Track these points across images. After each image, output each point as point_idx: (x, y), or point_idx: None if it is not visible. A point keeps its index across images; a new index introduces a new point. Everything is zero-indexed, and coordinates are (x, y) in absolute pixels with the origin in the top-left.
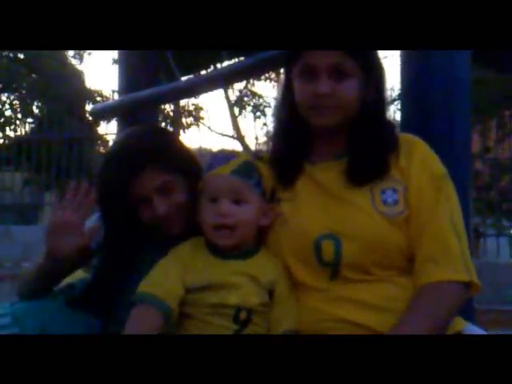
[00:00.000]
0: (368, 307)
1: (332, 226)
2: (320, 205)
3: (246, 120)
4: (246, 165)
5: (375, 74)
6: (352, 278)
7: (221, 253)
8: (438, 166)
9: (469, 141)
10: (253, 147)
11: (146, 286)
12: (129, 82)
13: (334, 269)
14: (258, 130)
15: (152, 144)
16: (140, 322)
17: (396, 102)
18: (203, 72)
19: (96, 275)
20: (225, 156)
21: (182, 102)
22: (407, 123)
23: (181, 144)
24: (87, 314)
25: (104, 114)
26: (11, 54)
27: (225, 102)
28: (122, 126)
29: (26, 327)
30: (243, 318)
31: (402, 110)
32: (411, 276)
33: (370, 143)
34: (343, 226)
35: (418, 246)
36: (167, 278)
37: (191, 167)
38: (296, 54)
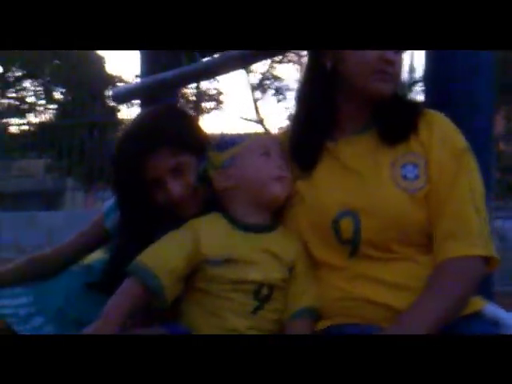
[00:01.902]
0: (387, 285)
1: (350, 203)
2: (337, 181)
3: (268, 103)
4: None
5: None
6: (372, 255)
7: (242, 225)
8: (459, 140)
9: (491, 128)
10: (274, 131)
11: (143, 256)
12: (150, 64)
13: (353, 246)
14: (280, 114)
15: (166, 124)
16: (124, 296)
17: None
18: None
19: (112, 257)
20: (239, 137)
21: (204, 87)
22: (431, 98)
23: (195, 124)
24: (104, 295)
25: (126, 96)
26: None
27: (246, 85)
28: (144, 108)
29: (43, 307)
30: (264, 294)
31: (425, 94)
32: (431, 253)
33: (399, 111)
34: (362, 202)
35: (437, 221)
36: (170, 252)
37: (205, 148)
38: None
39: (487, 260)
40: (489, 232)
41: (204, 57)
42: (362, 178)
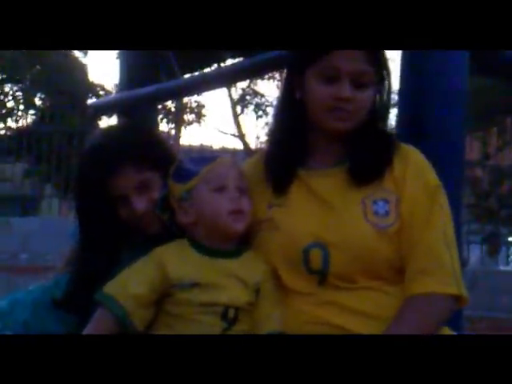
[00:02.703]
0: (354, 313)
1: (321, 235)
2: (310, 212)
3: (248, 118)
4: (237, 159)
5: (387, 83)
6: (339, 285)
7: (207, 251)
8: (433, 177)
9: (463, 151)
10: (254, 146)
11: (108, 287)
12: (129, 78)
13: (321, 276)
14: (259, 129)
15: (133, 141)
16: (95, 325)
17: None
18: (203, 71)
19: (75, 276)
20: (206, 155)
21: (185, 99)
22: (402, 130)
23: (161, 140)
24: (70, 312)
25: (104, 109)
26: None
27: (227, 100)
28: (121, 120)
29: (8, 323)
30: (231, 317)
31: (397, 117)
32: (400, 286)
33: (373, 148)
34: (332, 235)
35: (409, 257)
36: (133, 279)
37: (171, 164)
38: (318, 54)
39: (457, 298)
40: (460, 270)
41: (184, 74)
42: (334, 211)
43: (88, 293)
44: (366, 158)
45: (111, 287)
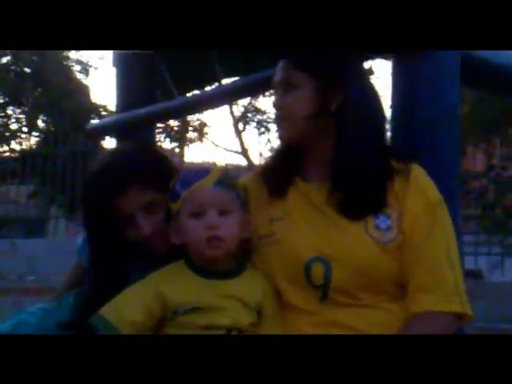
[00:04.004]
0: (355, 333)
1: (323, 249)
2: (311, 225)
3: (250, 135)
4: (225, 176)
5: (334, 81)
6: (341, 301)
7: (205, 273)
8: (434, 193)
9: (457, 163)
10: (257, 162)
11: (103, 310)
12: (126, 100)
13: (323, 292)
14: (262, 146)
15: (139, 162)
16: None
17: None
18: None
19: (85, 297)
20: (197, 171)
21: (187, 117)
22: (396, 144)
23: (166, 162)
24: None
25: (101, 131)
26: (18, 69)
27: (229, 117)
28: (120, 143)
29: None
30: None
31: (391, 131)
32: (402, 302)
33: (358, 171)
34: (334, 250)
35: (411, 274)
36: (130, 306)
37: None
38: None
39: (460, 315)
40: (463, 287)
41: (181, 94)
42: (335, 225)
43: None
44: (356, 189)
45: (107, 312)
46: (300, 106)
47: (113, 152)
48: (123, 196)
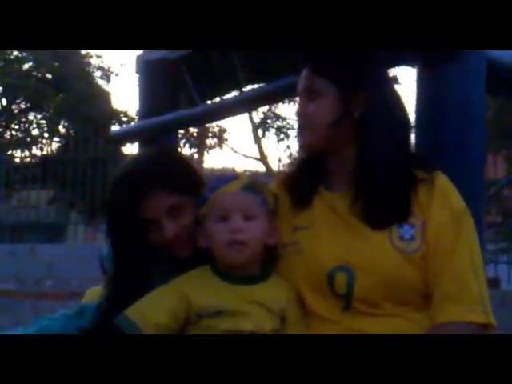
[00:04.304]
0: None
1: (346, 258)
2: (335, 234)
3: (270, 142)
4: (253, 182)
5: (358, 88)
6: (364, 311)
7: (230, 278)
8: (458, 202)
9: (482, 170)
10: (276, 169)
11: (128, 311)
12: (149, 106)
13: (346, 301)
14: (281, 152)
15: (163, 166)
16: None
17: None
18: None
19: (106, 301)
20: (227, 177)
21: (207, 124)
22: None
23: (191, 167)
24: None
25: (124, 138)
26: (39, 75)
27: (249, 123)
28: (142, 148)
29: None
30: None
31: (415, 139)
32: (426, 312)
33: (383, 179)
34: (357, 260)
35: (435, 284)
36: (155, 308)
37: (200, 190)
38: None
39: (484, 325)
40: (487, 296)
41: (204, 101)
42: (359, 235)
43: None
44: (379, 198)
45: (133, 313)
46: (323, 113)
47: (137, 157)
48: (148, 200)
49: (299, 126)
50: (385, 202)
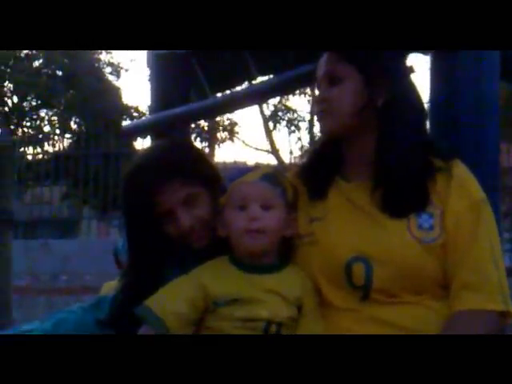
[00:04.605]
0: (397, 329)
1: (364, 249)
2: (352, 225)
3: (281, 134)
4: (272, 173)
5: (382, 76)
6: (382, 300)
7: (246, 267)
8: (477, 190)
9: (498, 159)
10: (287, 161)
11: (150, 301)
12: (160, 100)
13: (364, 292)
14: (292, 145)
15: (177, 156)
16: None
17: None
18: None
19: (124, 291)
20: (247, 168)
21: (218, 117)
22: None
23: (205, 157)
24: (115, 331)
25: (136, 132)
26: (49, 71)
27: (259, 116)
28: (155, 141)
29: None
30: (273, 332)
31: (429, 127)
32: (445, 301)
33: (403, 167)
34: (375, 250)
35: (455, 273)
36: (174, 297)
37: (215, 181)
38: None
39: (504, 314)
40: (506, 285)
41: (214, 94)
42: (376, 224)
43: (133, 311)
44: (399, 187)
45: (153, 302)
46: (347, 99)
47: (149, 149)
48: (162, 192)
49: (321, 111)
50: (404, 191)
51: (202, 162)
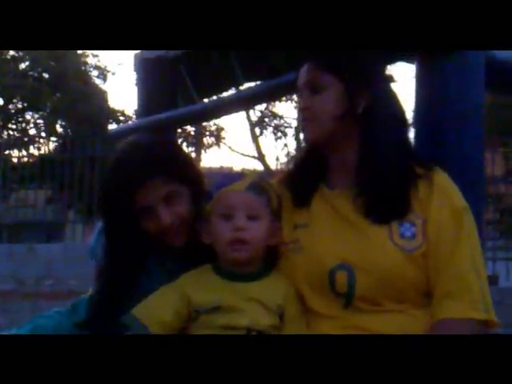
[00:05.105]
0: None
1: (347, 257)
2: (336, 233)
3: (267, 140)
4: (258, 182)
5: (362, 83)
6: (365, 308)
7: (229, 275)
8: (459, 199)
9: (482, 166)
10: (273, 167)
11: (135, 311)
12: (147, 104)
13: (347, 299)
14: (278, 151)
15: (159, 153)
16: None
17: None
18: (220, 95)
19: (99, 292)
20: (234, 176)
21: (204, 123)
22: (419, 149)
23: (186, 155)
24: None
25: (122, 136)
26: (36, 74)
27: (246, 122)
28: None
29: None
30: None
31: (414, 135)
32: (427, 309)
33: (384, 174)
34: (358, 258)
35: (436, 281)
36: (159, 306)
37: (196, 179)
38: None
39: (486, 323)
40: (489, 294)
41: (202, 99)
42: (359, 232)
43: (111, 310)
44: (380, 193)
45: (138, 311)
46: (327, 107)
47: (132, 144)
48: (144, 188)
49: (303, 119)
50: (386, 196)
51: (183, 159)
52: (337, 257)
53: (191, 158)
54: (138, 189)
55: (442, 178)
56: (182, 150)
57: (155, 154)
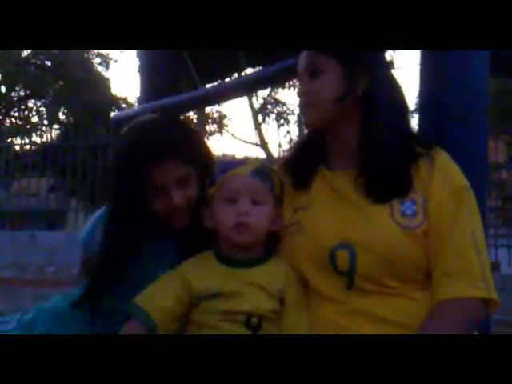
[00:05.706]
0: (382, 322)
1: (348, 236)
2: (336, 212)
3: (270, 127)
4: (262, 168)
5: (361, 66)
6: (367, 289)
7: (229, 261)
8: (460, 178)
9: (485, 155)
10: (276, 154)
11: (138, 299)
12: (150, 90)
13: (349, 278)
14: (281, 138)
15: (176, 134)
16: (126, 333)
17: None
18: (222, 80)
19: (93, 269)
20: (238, 161)
21: (206, 110)
22: (423, 136)
23: (200, 137)
24: (88, 313)
25: (125, 122)
26: (38, 62)
27: (249, 109)
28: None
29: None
30: (254, 324)
31: (418, 123)
32: (428, 291)
33: (385, 154)
34: (359, 236)
35: (436, 260)
36: (160, 293)
37: (207, 162)
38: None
39: (487, 301)
40: (490, 273)
41: (205, 84)
42: (360, 211)
43: (106, 284)
44: (380, 172)
45: (141, 299)
46: (327, 90)
47: (149, 122)
48: (161, 166)
49: (303, 104)
50: (387, 175)
51: (197, 141)
52: (337, 236)
53: (203, 139)
54: (155, 167)
55: (443, 157)
56: (195, 131)
57: (172, 135)
